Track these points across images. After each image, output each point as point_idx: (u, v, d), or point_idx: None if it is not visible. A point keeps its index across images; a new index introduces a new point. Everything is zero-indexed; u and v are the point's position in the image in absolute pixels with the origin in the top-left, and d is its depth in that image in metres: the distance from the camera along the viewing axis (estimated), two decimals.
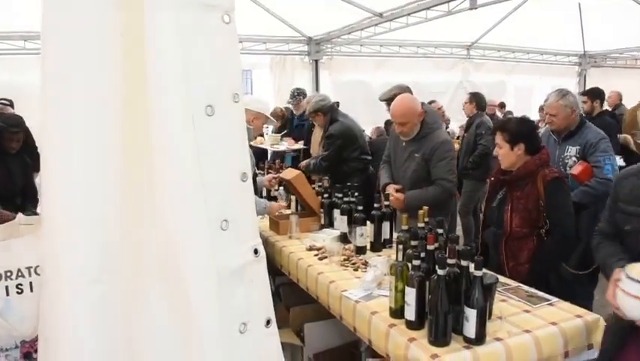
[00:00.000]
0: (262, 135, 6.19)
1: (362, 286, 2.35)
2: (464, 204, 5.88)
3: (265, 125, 4.82)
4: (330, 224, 3.36)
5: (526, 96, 10.59)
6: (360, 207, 3.02)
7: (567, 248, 2.70)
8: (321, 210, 3.44)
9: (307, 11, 7.43)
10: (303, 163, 4.95)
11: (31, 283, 2.14)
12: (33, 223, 2.23)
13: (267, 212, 3.56)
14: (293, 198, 3.80)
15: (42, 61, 0.96)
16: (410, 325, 1.96)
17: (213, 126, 0.99)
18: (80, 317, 0.97)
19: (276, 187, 4.21)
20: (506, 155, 2.75)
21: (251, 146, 3.96)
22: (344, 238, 3.05)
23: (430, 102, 6.29)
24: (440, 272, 1.83)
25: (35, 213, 3.03)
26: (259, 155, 5.70)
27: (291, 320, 3.02)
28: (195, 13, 0.96)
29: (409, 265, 1.98)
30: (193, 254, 0.95)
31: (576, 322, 2.01)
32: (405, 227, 2.52)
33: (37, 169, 3.77)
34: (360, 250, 2.90)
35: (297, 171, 3.68)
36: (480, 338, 1.82)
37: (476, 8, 5.92)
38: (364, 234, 2.91)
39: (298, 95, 6.03)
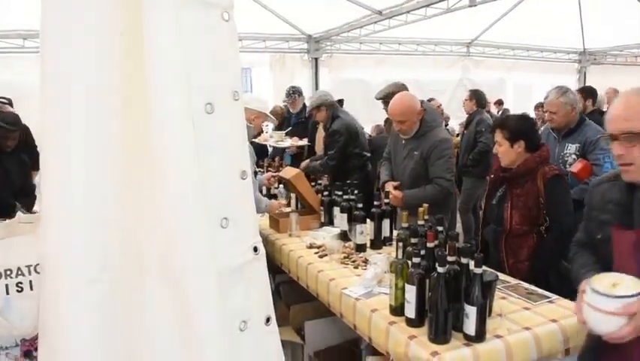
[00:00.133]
0: (260, 134, 6.17)
1: (362, 284, 2.35)
2: (464, 201, 5.88)
3: (265, 124, 4.81)
4: (330, 222, 3.37)
5: (525, 93, 10.58)
6: (360, 205, 3.02)
7: (567, 245, 2.69)
8: (321, 208, 3.45)
9: (307, 9, 7.42)
10: (303, 165, 4.91)
11: (31, 281, 2.15)
12: (33, 222, 2.23)
13: (268, 210, 3.56)
14: (293, 196, 3.80)
15: (41, 60, 0.96)
16: (410, 322, 1.96)
17: (213, 124, 0.99)
18: (80, 316, 0.97)
19: (276, 185, 4.21)
20: (506, 152, 2.75)
21: (252, 143, 3.95)
22: (344, 236, 3.05)
23: (430, 100, 6.30)
24: (440, 270, 1.83)
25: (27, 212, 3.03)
26: (259, 153, 5.69)
27: (291, 317, 3.02)
28: (195, 11, 0.96)
29: (409, 262, 1.98)
30: (193, 252, 0.95)
31: (576, 319, 2.01)
32: (405, 225, 2.53)
33: (36, 168, 3.76)
34: (360, 248, 2.90)
35: (297, 170, 3.68)
36: (480, 336, 1.82)
37: (475, 5, 5.91)
38: (364, 231, 2.91)
39: (293, 93, 6.02)
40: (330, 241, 2.97)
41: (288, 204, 3.92)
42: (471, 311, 1.80)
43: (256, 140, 5.42)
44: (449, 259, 1.88)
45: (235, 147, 1.04)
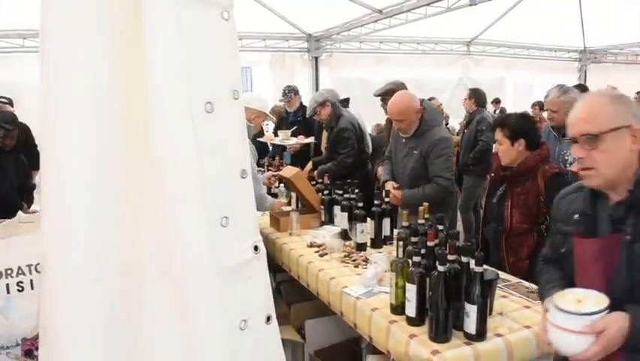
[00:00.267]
0: (262, 133, 6.17)
1: (363, 283, 2.35)
2: (464, 200, 5.88)
3: (265, 123, 4.80)
4: (330, 221, 3.36)
5: (526, 92, 10.58)
6: (361, 204, 3.02)
7: None
8: (322, 206, 3.45)
9: (307, 8, 7.43)
10: (308, 168, 4.80)
11: (31, 280, 2.15)
12: (33, 221, 2.23)
13: (271, 209, 3.57)
14: (293, 195, 3.80)
15: (41, 60, 0.96)
16: (411, 321, 1.96)
17: (213, 123, 0.98)
18: (80, 315, 0.97)
19: (276, 184, 4.21)
20: (506, 151, 2.75)
21: (254, 141, 3.95)
22: (344, 235, 3.05)
23: (430, 99, 6.29)
24: (440, 268, 1.83)
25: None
26: (259, 151, 5.68)
27: (291, 316, 3.02)
28: (195, 10, 0.96)
29: (410, 261, 1.98)
30: (193, 251, 0.95)
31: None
32: (405, 224, 2.53)
33: (37, 167, 3.76)
34: (361, 247, 2.91)
35: (296, 169, 3.68)
36: (481, 334, 1.82)
37: (476, 4, 5.91)
38: (365, 230, 2.92)
39: (289, 92, 6.00)
40: (330, 240, 2.97)
41: (289, 203, 3.92)
42: (471, 310, 1.80)
43: (261, 139, 5.42)
44: (449, 257, 1.88)
45: (235, 146, 1.04)
